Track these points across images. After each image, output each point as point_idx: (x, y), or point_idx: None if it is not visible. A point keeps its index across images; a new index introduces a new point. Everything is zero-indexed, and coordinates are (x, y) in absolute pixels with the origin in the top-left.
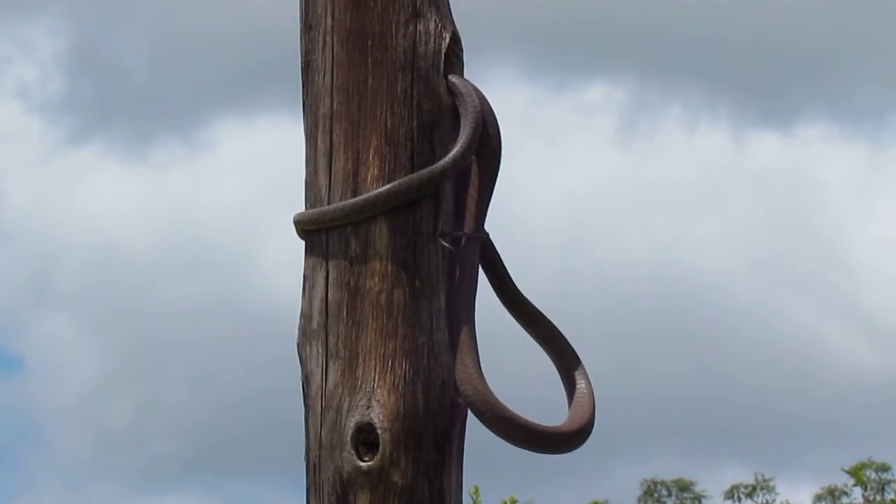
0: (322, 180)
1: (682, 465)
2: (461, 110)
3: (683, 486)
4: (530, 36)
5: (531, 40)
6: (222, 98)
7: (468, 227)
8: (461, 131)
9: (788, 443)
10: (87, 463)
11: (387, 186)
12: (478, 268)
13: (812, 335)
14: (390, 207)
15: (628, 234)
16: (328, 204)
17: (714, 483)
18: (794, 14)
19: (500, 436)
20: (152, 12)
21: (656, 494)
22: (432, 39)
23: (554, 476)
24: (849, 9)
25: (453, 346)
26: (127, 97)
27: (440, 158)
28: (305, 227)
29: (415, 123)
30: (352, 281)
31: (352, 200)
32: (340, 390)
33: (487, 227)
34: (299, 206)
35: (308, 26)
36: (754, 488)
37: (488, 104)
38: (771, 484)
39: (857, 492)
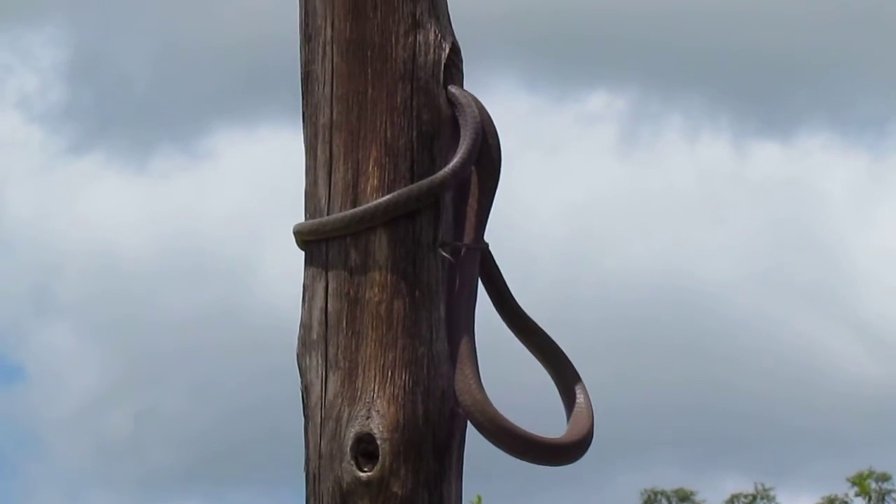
0: (322, 191)
1: (682, 474)
2: (461, 121)
3: (683, 496)
4: (530, 46)
5: (531, 50)
6: (223, 108)
7: (468, 237)
8: (461, 142)
9: (789, 452)
10: (87, 472)
11: (386, 197)
12: (477, 278)
13: (813, 344)
14: (390, 218)
15: (629, 244)
16: (328, 214)
17: (714, 492)
18: (795, 24)
19: (499, 447)
20: (153, 22)
21: None
22: (432, 50)
23: (554, 485)
24: (850, 18)
25: (453, 356)
26: (128, 106)
27: (440, 169)
28: (305, 238)
29: (414, 134)
30: (351, 291)
31: (351, 211)
32: (340, 401)
33: (488, 237)
34: (299, 217)
35: (308, 37)
36: (754, 497)
37: (488, 114)
38: (771, 493)
39: (859, 502)
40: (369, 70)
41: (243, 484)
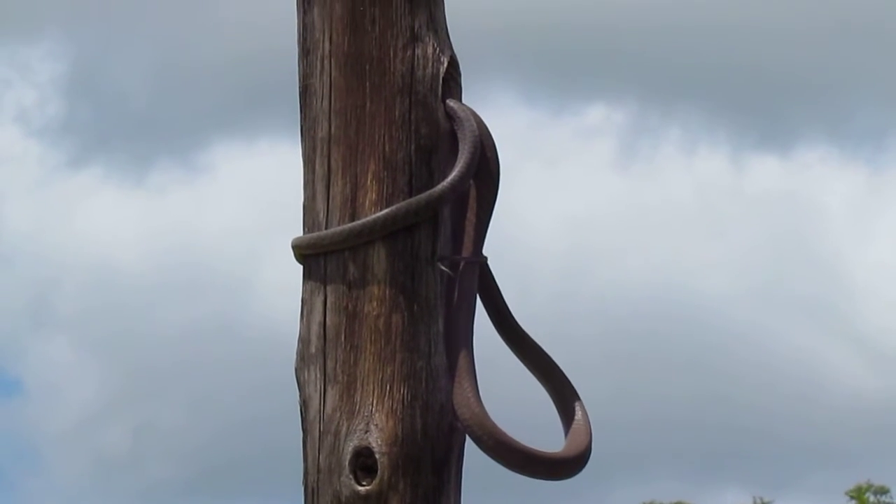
0: (320, 205)
1: (681, 487)
2: (459, 135)
3: None
4: (528, 59)
5: (529, 64)
6: (221, 122)
7: (466, 251)
8: (459, 155)
9: (787, 465)
10: (85, 486)
11: (385, 211)
12: (476, 292)
13: (811, 358)
14: (388, 232)
15: (628, 257)
16: (326, 228)
17: None
18: (793, 38)
19: (497, 461)
20: (151, 36)
21: None
22: (430, 64)
23: (552, 500)
24: (848, 32)
25: (451, 370)
26: (126, 121)
27: (438, 183)
28: (303, 252)
29: (413, 148)
30: (350, 305)
31: (350, 225)
32: (338, 415)
33: (486, 250)
34: (297, 231)
35: (306, 51)
36: None
37: (486, 128)
38: None
39: None
40: (367, 84)
41: (242, 498)
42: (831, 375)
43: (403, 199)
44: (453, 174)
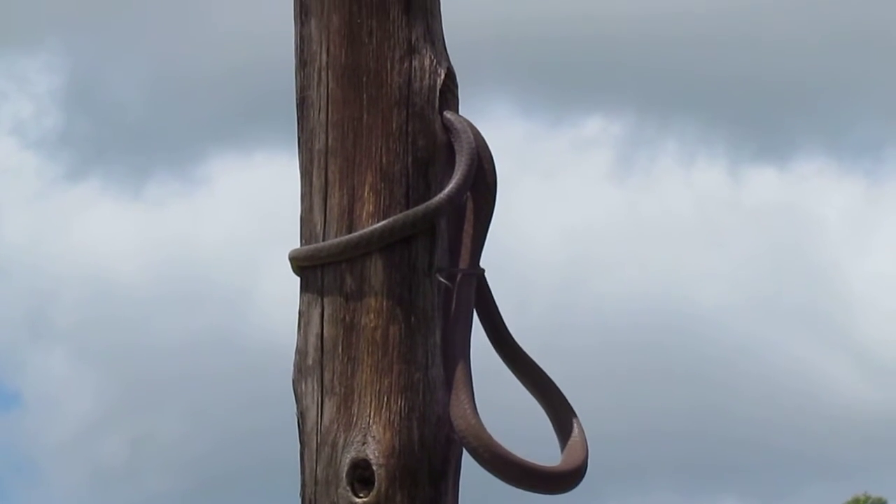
0: (317, 217)
1: (678, 499)
2: (456, 146)
3: None
4: (526, 71)
5: (526, 75)
6: (218, 134)
7: (464, 262)
8: (456, 167)
9: (785, 477)
10: (83, 498)
11: (382, 223)
12: (473, 304)
13: (809, 369)
14: (385, 244)
15: (626, 269)
16: (323, 240)
17: None
18: (790, 49)
19: (493, 473)
20: (149, 48)
21: None
22: (427, 76)
23: None
24: (846, 44)
25: (448, 382)
26: (123, 133)
27: (435, 195)
28: (301, 264)
29: (410, 160)
30: (347, 317)
31: (347, 237)
32: (336, 426)
33: (484, 262)
34: (295, 243)
35: (303, 62)
36: None
37: (483, 140)
38: None
39: None
40: (364, 96)
41: None
42: (829, 387)
43: (400, 211)
44: (450, 186)
